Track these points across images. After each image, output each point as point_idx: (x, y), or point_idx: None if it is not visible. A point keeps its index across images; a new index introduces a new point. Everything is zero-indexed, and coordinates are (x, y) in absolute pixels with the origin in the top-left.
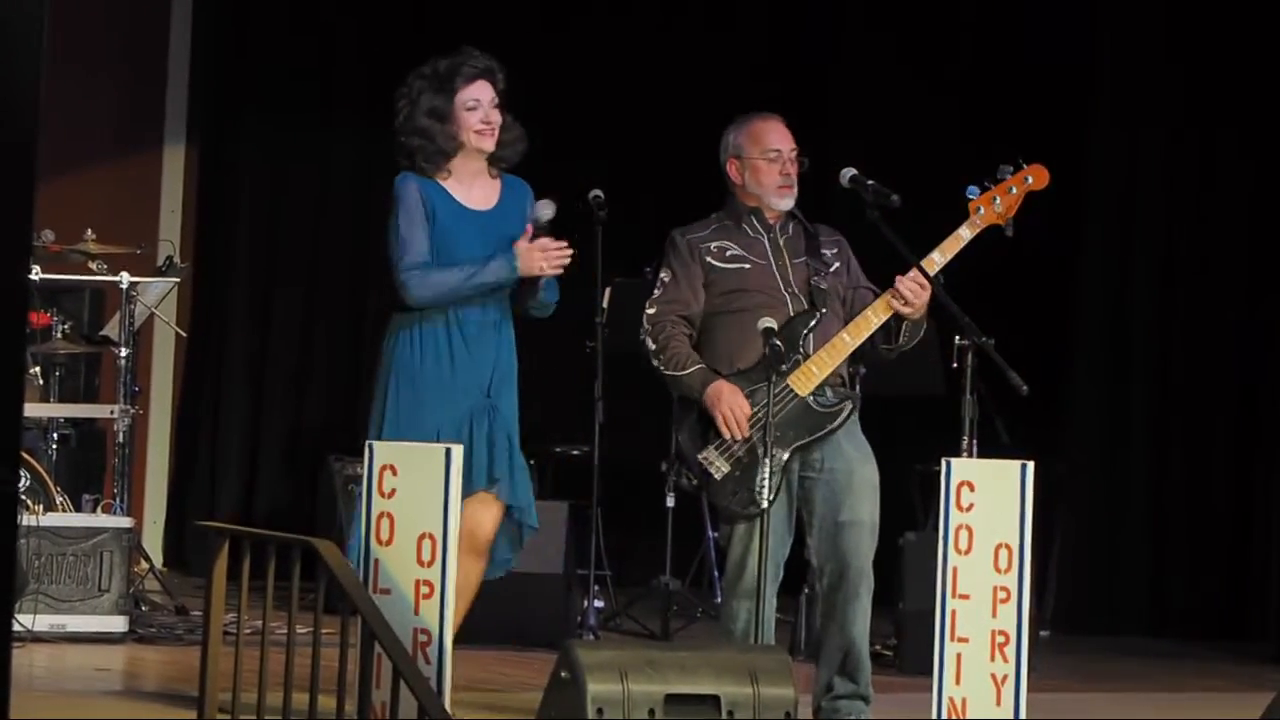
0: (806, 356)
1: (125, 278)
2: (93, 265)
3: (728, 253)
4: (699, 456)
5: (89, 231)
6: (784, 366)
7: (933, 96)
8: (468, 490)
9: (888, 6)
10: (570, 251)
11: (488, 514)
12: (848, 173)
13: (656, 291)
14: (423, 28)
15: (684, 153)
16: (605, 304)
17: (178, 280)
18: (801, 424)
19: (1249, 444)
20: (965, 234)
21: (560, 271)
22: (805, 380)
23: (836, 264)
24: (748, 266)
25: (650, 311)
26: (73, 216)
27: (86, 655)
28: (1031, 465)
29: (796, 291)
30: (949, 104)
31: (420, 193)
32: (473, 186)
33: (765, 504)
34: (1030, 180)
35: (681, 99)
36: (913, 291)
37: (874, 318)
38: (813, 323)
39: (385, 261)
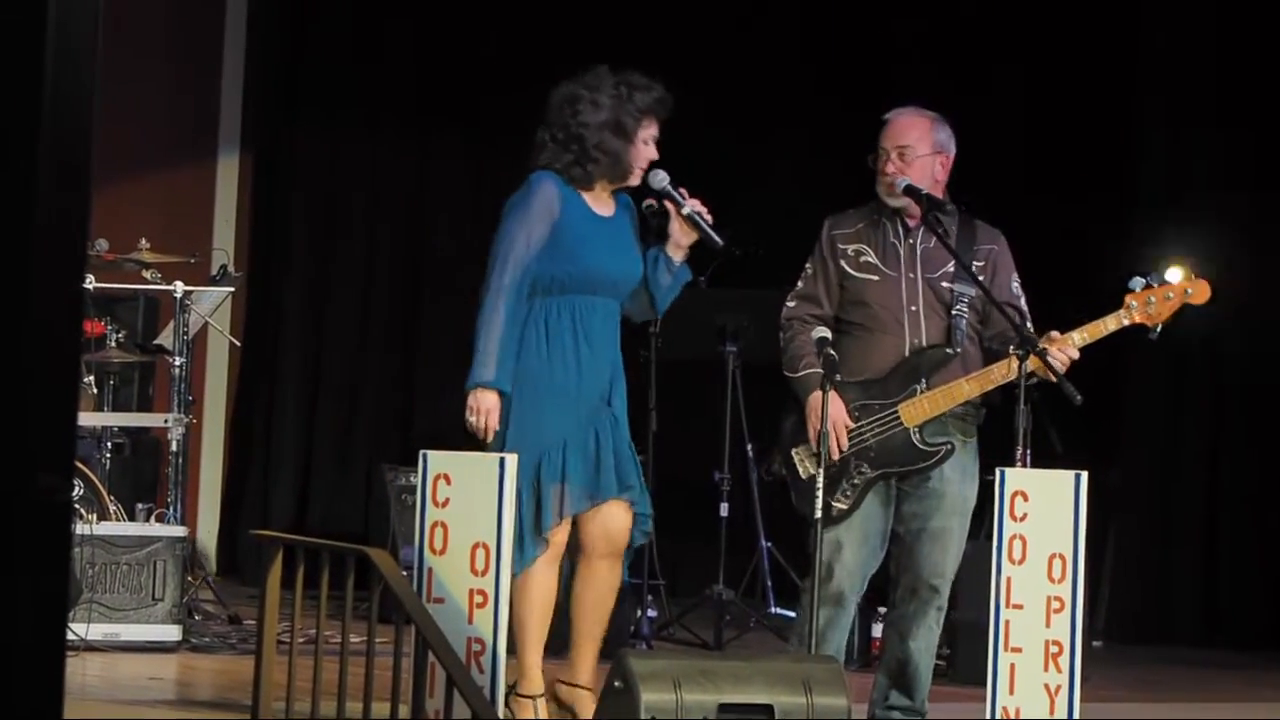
0: (924, 390)
1: (179, 287)
2: (147, 274)
3: (862, 258)
4: (792, 451)
5: (143, 240)
6: (902, 394)
7: (985, 99)
8: (597, 499)
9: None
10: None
11: (623, 517)
12: (902, 181)
13: (799, 284)
14: (476, 36)
15: (736, 161)
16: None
17: (232, 289)
18: (897, 454)
19: None
20: (1110, 325)
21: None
22: (915, 413)
23: (981, 277)
24: (875, 279)
25: (790, 305)
26: (127, 225)
27: (140, 664)
28: (1085, 475)
29: (919, 309)
30: (1005, 109)
31: (555, 198)
32: (600, 197)
33: (818, 513)
34: (1191, 293)
35: (739, 106)
36: (1057, 360)
37: (998, 377)
38: (944, 363)
39: (490, 248)
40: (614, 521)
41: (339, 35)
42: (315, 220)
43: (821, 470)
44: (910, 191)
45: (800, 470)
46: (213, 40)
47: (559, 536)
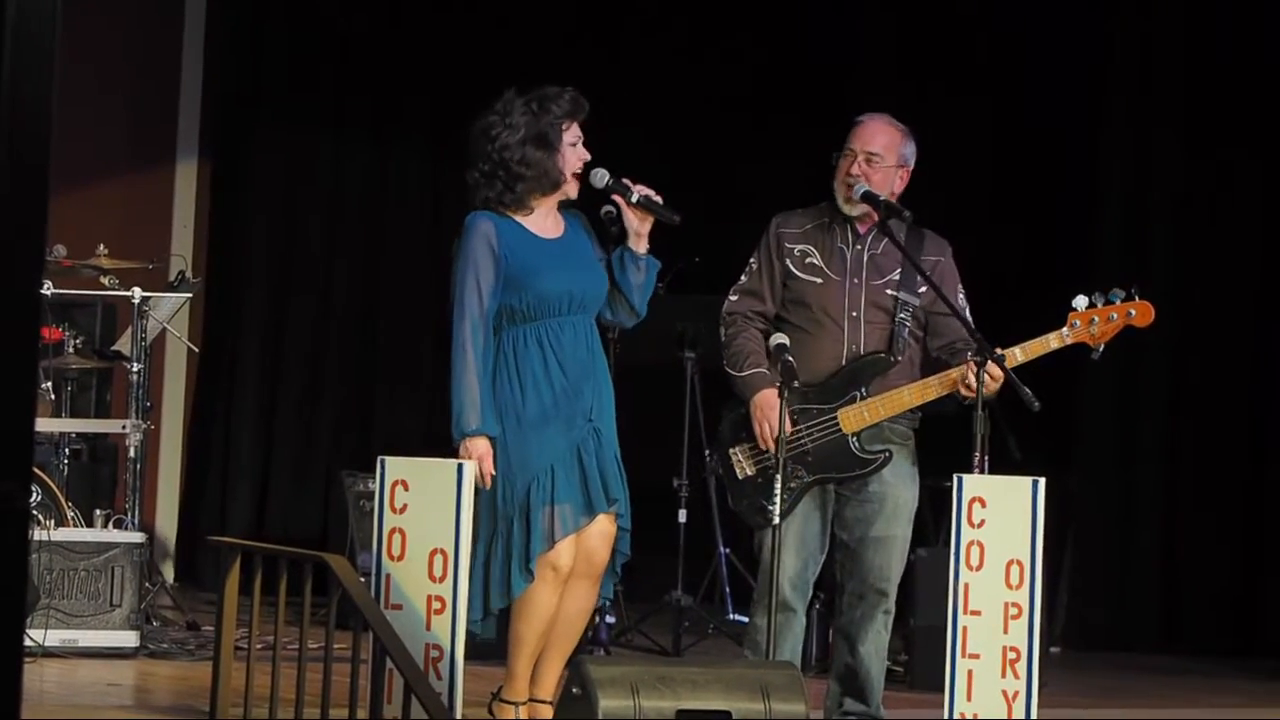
0: (864, 397)
1: (137, 293)
2: (105, 280)
3: (808, 259)
4: (730, 450)
5: (101, 246)
6: (842, 400)
7: (950, 99)
8: (589, 516)
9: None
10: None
11: (604, 537)
12: (860, 188)
13: (743, 278)
14: (435, 43)
15: (698, 166)
16: None
17: (190, 295)
18: (834, 460)
19: (1260, 459)
20: (1053, 343)
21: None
22: (855, 420)
23: (925, 288)
24: (819, 282)
25: (732, 299)
26: (85, 231)
27: (98, 670)
28: (1043, 481)
29: (860, 316)
30: (968, 106)
31: (492, 234)
32: (545, 219)
33: (776, 519)
34: (1134, 315)
35: (700, 110)
36: (984, 384)
37: (939, 389)
38: (885, 370)
39: (449, 296)
40: (593, 541)
41: (297, 40)
42: (274, 226)
43: (780, 476)
44: (869, 199)
45: (737, 471)
46: (171, 45)
47: (564, 560)
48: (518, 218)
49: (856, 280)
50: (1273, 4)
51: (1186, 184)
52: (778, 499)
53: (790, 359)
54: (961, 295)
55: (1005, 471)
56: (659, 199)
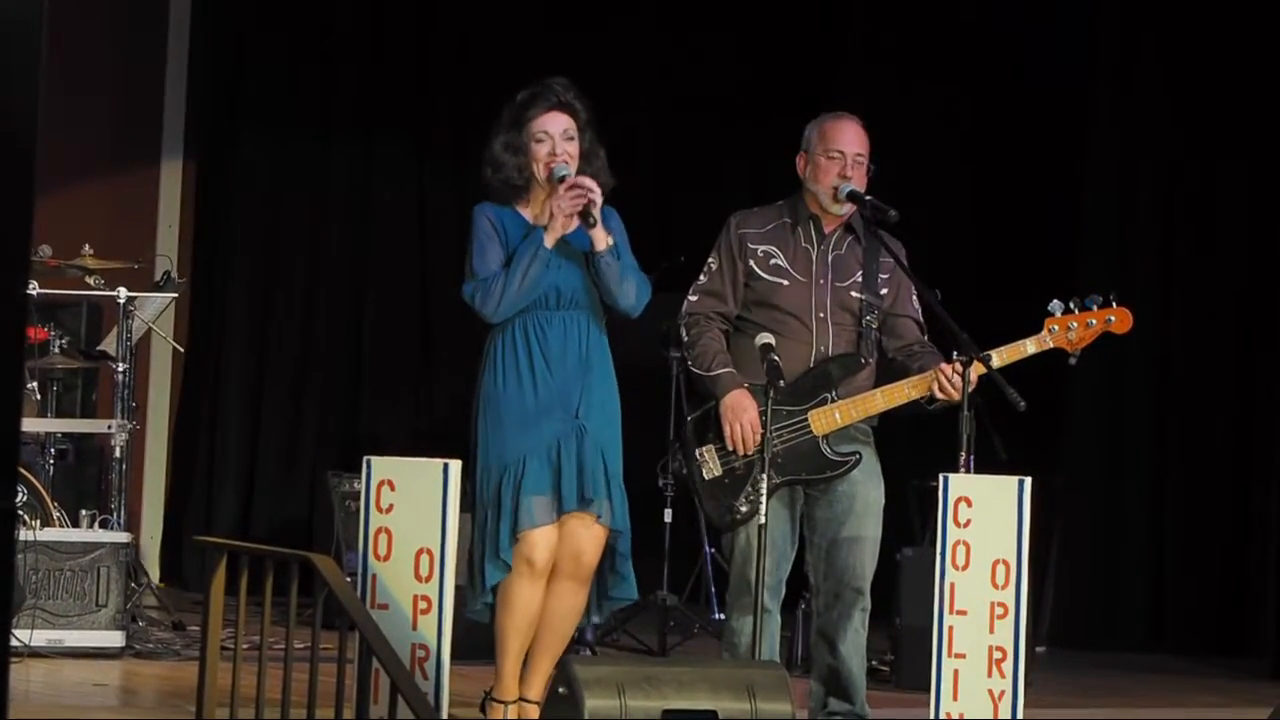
0: (835, 399)
1: (123, 293)
2: (90, 280)
3: (772, 261)
4: (697, 450)
5: (86, 247)
6: (812, 402)
7: (933, 104)
8: (558, 513)
9: (892, 18)
10: (587, 185)
11: (590, 538)
12: (845, 188)
13: (702, 277)
14: (419, 42)
15: (680, 162)
16: None
17: (175, 295)
18: (805, 462)
19: (1246, 458)
20: (1030, 348)
21: (578, 204)
22: (825, 422)
23: (886, 289)
24: (785, 284)
25: (692, 299)
26: (70, 232)
27: (83, 670)
28: (1029, 481)
29: (827, 317)
30: (952, 121)
31: (492, 221)
32: (547, 211)
33: (762, 519)
34: (1112, 321)
35: (683, 103)
36: (957, 388)
37: (910, 392)
38: (855, 372)
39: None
40: (578, 544)
41: (282, 40)
42: (259, 226)
43: (765, 476)
44: (854, 198)
45: (705, 472)
46: (156, 45)
47: (539, 554)
48: (516, 207)
49: (823, 281)
50: (1261, 7)
51: (1173, 186)
52: (763, 498)
53: (776, 358)
54: (914, 298)
55: (991, 471)
56: (570, 203)
